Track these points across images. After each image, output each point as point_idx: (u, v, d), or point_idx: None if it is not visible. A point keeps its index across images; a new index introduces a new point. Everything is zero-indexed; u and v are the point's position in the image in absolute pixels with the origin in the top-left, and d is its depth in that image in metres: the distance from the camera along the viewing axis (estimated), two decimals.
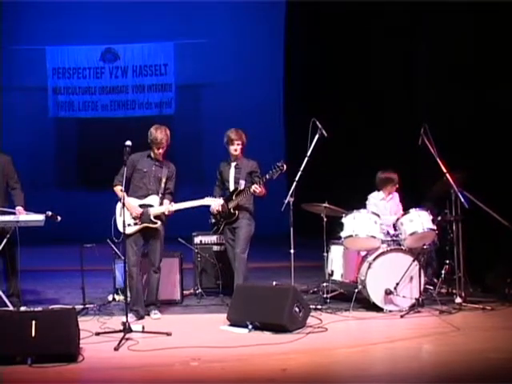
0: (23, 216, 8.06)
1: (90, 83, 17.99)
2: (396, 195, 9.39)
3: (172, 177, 8.17)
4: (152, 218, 7.87)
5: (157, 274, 8.09)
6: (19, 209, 8.24)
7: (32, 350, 6.04)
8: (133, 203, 7.91)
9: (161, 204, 8.00)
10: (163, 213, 7.97)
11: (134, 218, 7.90)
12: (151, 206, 7.89)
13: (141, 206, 7.92)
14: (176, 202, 8.06)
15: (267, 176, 8.34)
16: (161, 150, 7.99)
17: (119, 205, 7.95)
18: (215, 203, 8.24)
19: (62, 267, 11.93)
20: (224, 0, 16.81)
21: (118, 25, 17.23)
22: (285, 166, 8.24)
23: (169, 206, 7.95)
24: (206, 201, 8.10)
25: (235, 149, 8.62)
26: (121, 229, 7.84)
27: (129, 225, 7.83)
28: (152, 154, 8.04)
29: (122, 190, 7.57)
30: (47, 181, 17.80)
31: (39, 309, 7.18)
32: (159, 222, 7.92)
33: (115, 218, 8.00)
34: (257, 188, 8.32)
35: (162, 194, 8.03)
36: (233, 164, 8.71)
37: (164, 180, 8.02)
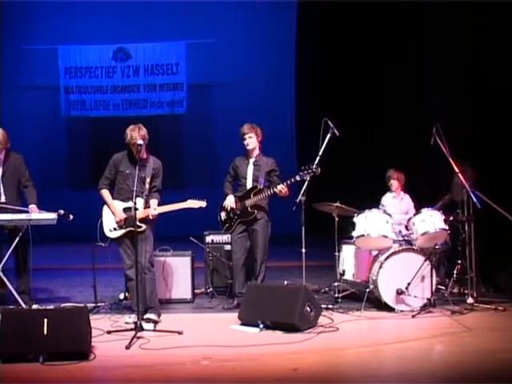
0: (35, 214, 8.09)
1: (102, 82, 18.05)
2: (406, 196, 9.44)
3: (157, 174, 7.93)
4: (137, 221, 7.55)
5: (147, 275, 7.76)
6: (32, 207, 8.28)
7: (44, 348, 6.07)
8: (118, 207, 7.82)
9: (146, 205, 7.78)
10: (148, 216, 7.76)
11: (118, 223, 7.82)
12: (136, 209, 7.57)
13: (125, 209, 7.77)
14: (185, 200, 7.92)
15: (297, 177, 8.18)
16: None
17: (105, 208, 7.92)
18: (197, 205, 7.87)
19: (73, 266, 11.99)
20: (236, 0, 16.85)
21: (130, 24, 17.26)
22: (319, 170, 8.12)
23: (152, 210, 7.72)
24: (189, 203, 7.85)
25: (247, 143, 8.51)
26: (107, 233, 7.85)
27: (114, 229, 7.81)
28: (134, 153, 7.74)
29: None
30: (59, 179, 17.87)
31: (51, 307, 7.25)
32: (144, 226, 7.71)
33: (101, 222, 7.91)
34: (283, 188, 8.18)
35: (147, 195, 7.80)
36: (251, 160, 8.58)
37: (148, 180, 7.80)
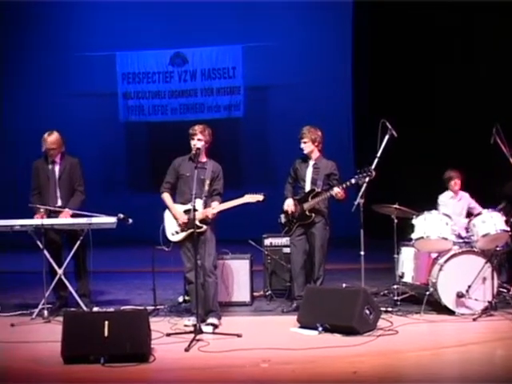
0: (95, 218, 8.17)
1: (160, 87, 18.20)
2: (465, 195, 9.33)
3: (217, 177, 7.93)
4: (197, 222, 7.59)
5: (210, 278, 7.79)
6: (66, 211, 8.36)
7: (105, 350, 6.16)
8: (179, 210, 7.87)
9: (206, 206, 7.79)
10: (207, 216, 7.77)
11: (180, 225, 7.84)
12: (196, 210, 7.55)
13: (186, 211, 7.80)
14: (242, 196, 7.84)
15: (353, 181, 8.15)
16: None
17: (167, 212, 7.96)
18: (255, 199, 7.75)
19: (133, 269, 12.11)
20: (291, 1, 16.81)
21: (187, 29, 17.35)
22: (374, 173, 8.08)
23: (210, 210, 7.73)
24: (246, 198, 7.76)
25: (302, 147, 8.50)
26: (169, 237, 7.90)
27: (176, 232, 7.86)
28: (192, 156, 7.81)
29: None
30: (119, 184, 18.10)
31: (111, 309, 7.33)
32: (205, 226, 7.73)
33: (164, 227, 7.95)
34: (339, 192, 8.14)
35: (206, 197, 7.81)
36: (311, 163, 8.54)
37: (208, 182, 7.80)
